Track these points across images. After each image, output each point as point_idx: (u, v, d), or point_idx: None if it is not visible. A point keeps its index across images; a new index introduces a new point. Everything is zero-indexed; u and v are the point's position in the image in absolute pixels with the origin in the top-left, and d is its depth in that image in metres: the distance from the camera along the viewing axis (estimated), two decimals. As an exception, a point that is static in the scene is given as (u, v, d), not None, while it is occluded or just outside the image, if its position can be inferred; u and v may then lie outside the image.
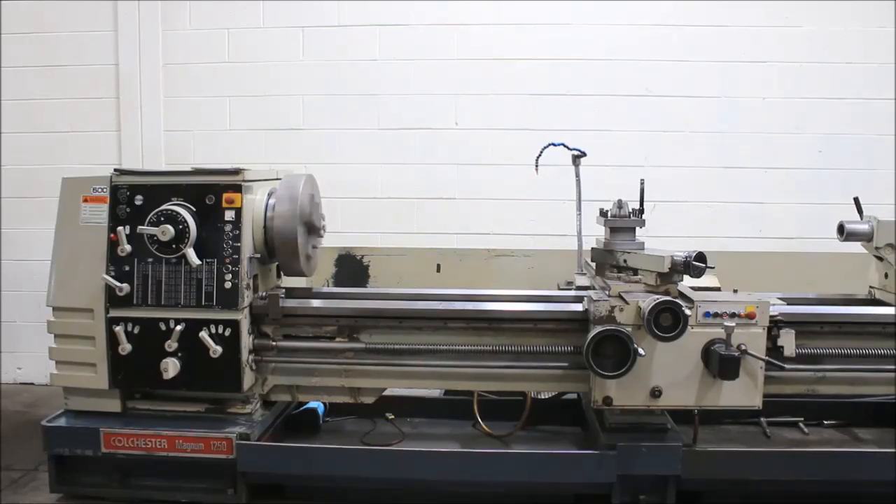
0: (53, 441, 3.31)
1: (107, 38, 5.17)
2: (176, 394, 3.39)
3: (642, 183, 3.45)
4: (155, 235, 3.19)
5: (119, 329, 3.26)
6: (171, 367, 3.20)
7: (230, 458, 3.20)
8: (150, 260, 3.28)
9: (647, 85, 4.99)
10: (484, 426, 3.70)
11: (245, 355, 3.28)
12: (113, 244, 3.28)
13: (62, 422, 3.36)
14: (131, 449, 3.23)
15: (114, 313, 3.29)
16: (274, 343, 3.39)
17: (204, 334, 3.23)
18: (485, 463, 3.22)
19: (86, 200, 3.35)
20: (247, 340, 3.30)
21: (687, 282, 3.18)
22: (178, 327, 3.24)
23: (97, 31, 5.18)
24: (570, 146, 3.76)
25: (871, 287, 3.71)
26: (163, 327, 3.26)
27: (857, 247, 3.61)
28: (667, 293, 3.10)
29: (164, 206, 3.25)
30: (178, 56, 5.18)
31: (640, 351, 2.95)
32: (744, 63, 4.93)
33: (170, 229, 3.18)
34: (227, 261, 3.26)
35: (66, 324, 3.36)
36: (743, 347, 2.96)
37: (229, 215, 3.28)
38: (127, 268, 3.29)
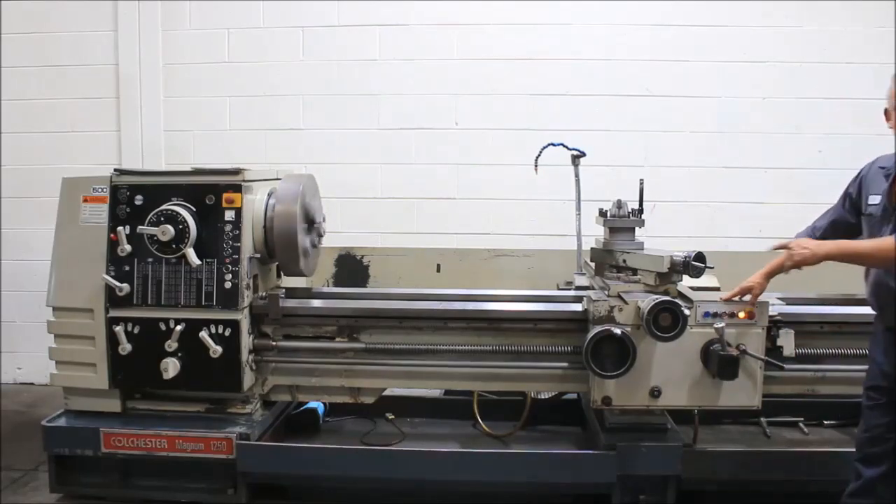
0: (53, 441, 3.32)
1: (107, 38, 5.17)
2: (176, 394, 3.39)
3: (642, 183, 3.44)
4: (155, 235, 3.19)
5: (119, 329, 3.26)
6: (171, 367, 3.20)
7: (230, 458, 3.20)
8: (150, 260, 3.28)
9: (647, 85, 4.99)
10: (484, 426, 3.70)
11: (245, 355, 3.28)
12: (113, 244, 3.28)
13: (62, 422, 3.36)
14: (131, 449, 3.24)
15: (114, 313, 3.29)
16: (274, 343, 3.39)
17: (204, 334, 3.23)
18: (485, 463, 3.22)
19: (86, 200, 3.35)
20: (247, 340, 3.30)
21: (686, 282, 3.17)
22: (178, 327, 3.24)
23: (97, 31, 5.18)
24: (570, 146, 3.76)
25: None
26: (163, 327, 3.26)
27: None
28: (666, 293, 3.10)
29: (164, 206, 3.25)
30: (178, 56, 5.17)
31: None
32: (744, 63, 4.93)
33: (170, 229, 3.18)
34: (227, 261, 3.26)
35: (66, 324, 3.36)
36: (742, 347, 2.96)
37: (229, 215, 3.28)
38: (127, 268, 3.29)
